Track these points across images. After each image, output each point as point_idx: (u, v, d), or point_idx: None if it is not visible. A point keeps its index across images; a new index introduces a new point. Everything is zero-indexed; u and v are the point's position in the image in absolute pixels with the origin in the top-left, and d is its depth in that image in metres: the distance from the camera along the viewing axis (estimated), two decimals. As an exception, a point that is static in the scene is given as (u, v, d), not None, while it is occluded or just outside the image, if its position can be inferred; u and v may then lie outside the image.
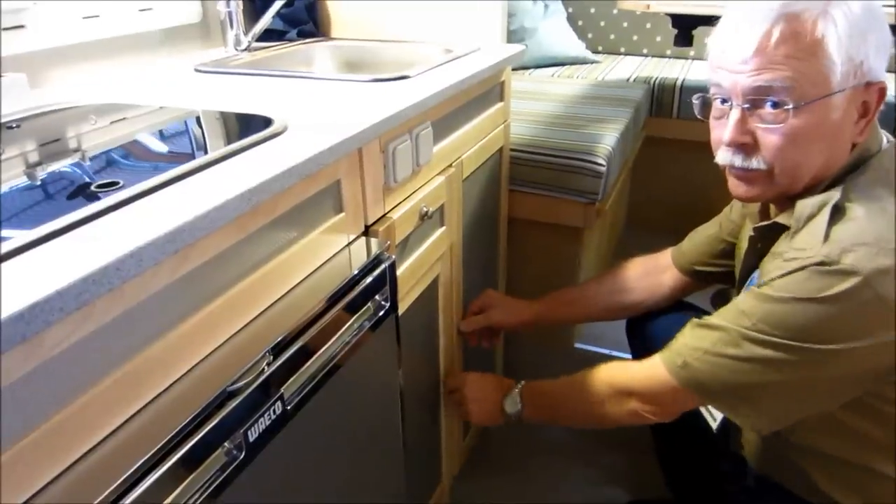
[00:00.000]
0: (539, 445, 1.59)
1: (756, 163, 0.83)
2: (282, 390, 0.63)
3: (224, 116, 0.87)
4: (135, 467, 0.49)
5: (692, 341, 0.86)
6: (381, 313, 0.83)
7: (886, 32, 0.79)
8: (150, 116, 0.88)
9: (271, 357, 0.62)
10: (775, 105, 0.79)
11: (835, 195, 0.78)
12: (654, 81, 2.20)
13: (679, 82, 2.18)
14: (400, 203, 0.95)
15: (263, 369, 0.60)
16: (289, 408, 0.64)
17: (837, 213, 0.77)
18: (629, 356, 1.77)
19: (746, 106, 0.81)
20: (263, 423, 0.61)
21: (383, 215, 0.90)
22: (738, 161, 0.84)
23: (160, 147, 0.80)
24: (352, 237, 0.83)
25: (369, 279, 0.80)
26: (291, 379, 0.65)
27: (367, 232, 0.87)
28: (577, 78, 2.28)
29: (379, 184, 0.88)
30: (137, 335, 0.51)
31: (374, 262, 0.82)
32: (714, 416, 1.00)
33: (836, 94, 0.77)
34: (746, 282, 0.94)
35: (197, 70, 1.13)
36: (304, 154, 0.66)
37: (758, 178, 0.84)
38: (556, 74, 2.34)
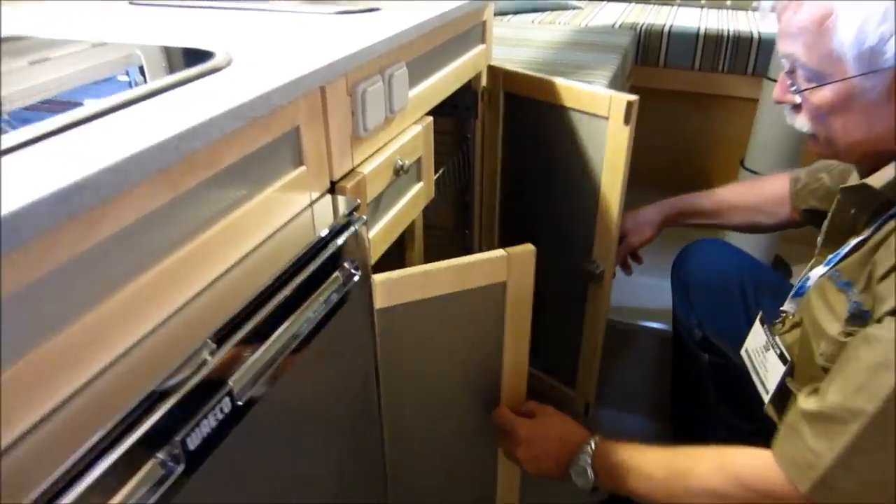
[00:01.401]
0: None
1: (800, 124, 0.76)
2: (230, 384, 0.52)
3: (161, 52, 0.73)
4: (41, 490, 0.38)
5: (819, 444, 0.63)
6: (352, 283, 0.71)
7: None
8: (75, 55, 0.74)
9: (214, 345, 0.50)
10: (805, 75, 0.72)
11: None
12: (641, 28, 2.07)
13: (667, 29, 2.05)
14: (371, 156, 0.82)
15: (205, 360, 0.49)
16: (240, 403, 0.52)
17: None
18: (660, 326, 1.62)
19: (786, 68, 0.75)
20: (208, 425, 0.49)
21: (352, 170, 0.78)
22: (788, 119, 0.78)
23: (82, 88, 0.66)
24: (315, 195, 0.71)
25: (337, 243, 0.68)
26: (241, 370, 0.53)
27: (333, 189, 0.75)
28: (559, 24, 2.14)
29: (346, 133, 0.75)
30: (25, 331, 0.39)
31: (343, 224, 0.70)
32: (767, 389, 0.89)
33: (856, 78, 0.67)
34: (827, 260, 0.81)
35: (132, 2, 0.98)
36: (252, 92, 0.54)
37: (812, 138, 0.78)
38: (536, 21, 2.20)
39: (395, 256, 1.08)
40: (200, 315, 0.51)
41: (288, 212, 0.66)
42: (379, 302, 0.78)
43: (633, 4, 2.45)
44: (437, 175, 1.17)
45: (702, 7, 2.38)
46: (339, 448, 0.77)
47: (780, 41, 0.74)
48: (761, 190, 1.15)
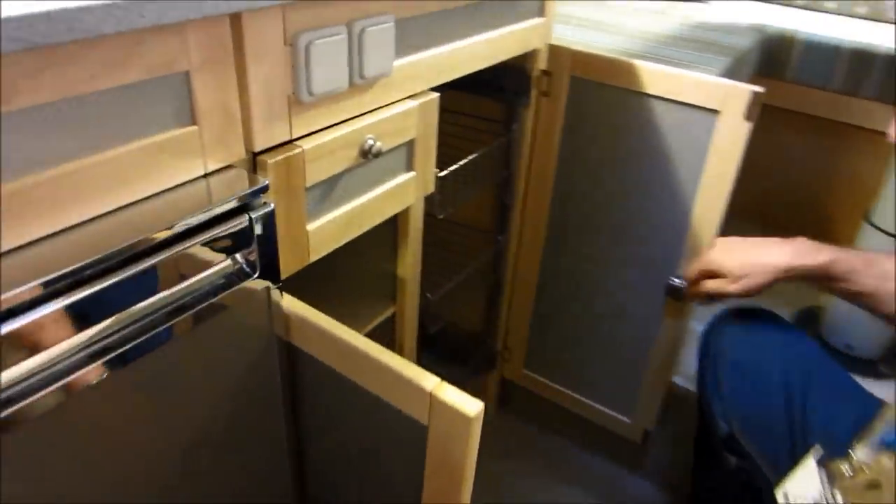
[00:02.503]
0: (505, 444, 1.34)
1: None
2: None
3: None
4: None
5: None
6: (241, 285, 0.56)
7: None
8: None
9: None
10: None
11: None
12: (771, 31, 1.77)
13: (803, 36, 1.73)
14: (325, 129, 0.66)
15: None
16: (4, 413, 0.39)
17: None
18: (685, 385, 1.36)
19: None
20: None
21: (288, 142, 0.63)
22: None
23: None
24: (212, 167, 0.56)
25: (220, 229, 0.53)
26: (23, 367, 0.39)
27: (254, 163, 0.60)
28: (666, 14, 1.87)
29: (281, 93, 0.60)
30: None
31: (235, 206, 0.55)
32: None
33: None
34: None
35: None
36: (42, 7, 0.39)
37: None
38: (640, 7, 1.93)
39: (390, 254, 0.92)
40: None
41: (157, 182, 0.52)
42: (282, 328, 0.62)
43: (773, 6, 2.12)
44: (458, 165, 0.99)
45: (854, 18, 2.02)
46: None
47: None
48: None
